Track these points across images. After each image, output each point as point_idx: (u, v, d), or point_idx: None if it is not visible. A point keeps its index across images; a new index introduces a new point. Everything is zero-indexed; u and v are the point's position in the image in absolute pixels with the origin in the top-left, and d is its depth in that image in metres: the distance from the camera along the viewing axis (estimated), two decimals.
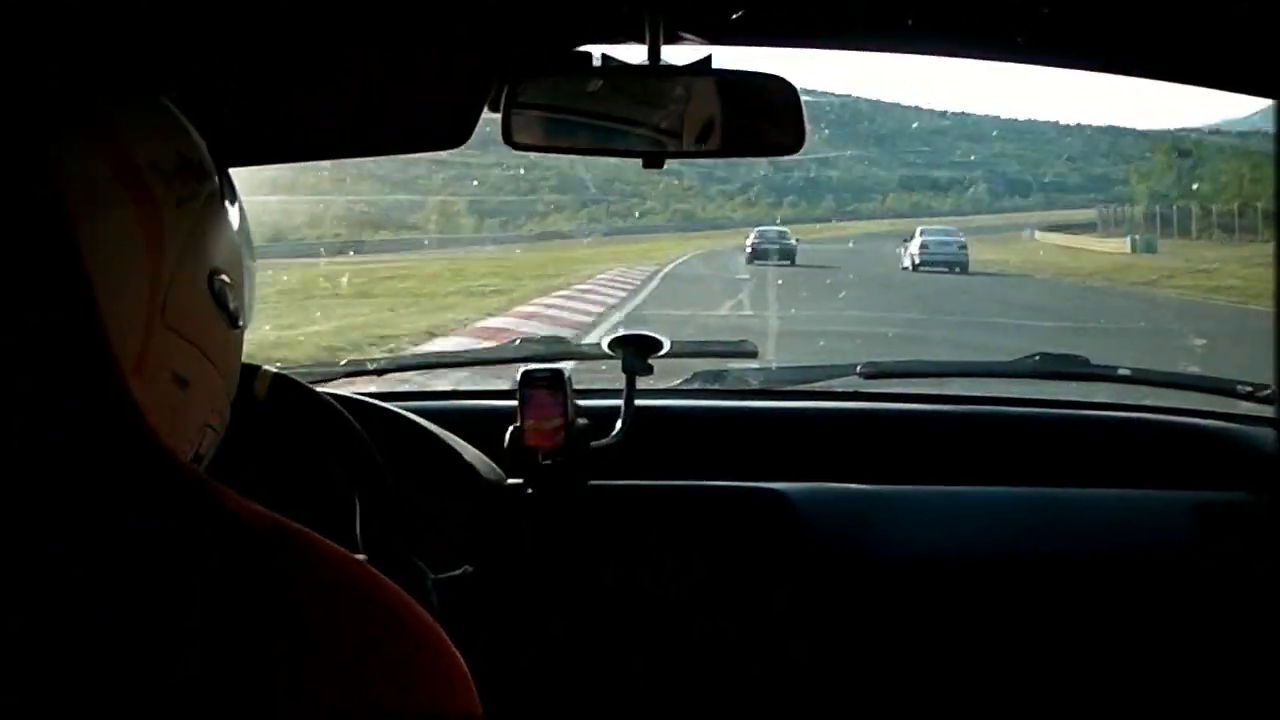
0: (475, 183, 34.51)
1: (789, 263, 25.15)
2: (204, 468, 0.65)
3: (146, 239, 0.56)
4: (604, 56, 1.11)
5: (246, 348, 0.68)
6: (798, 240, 27.72)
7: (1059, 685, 1.61)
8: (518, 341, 2.04)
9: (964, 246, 25.44)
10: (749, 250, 25.94)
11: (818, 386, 2.09)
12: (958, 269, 24.43)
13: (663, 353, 1.82)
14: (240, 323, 0.65)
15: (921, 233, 26.00)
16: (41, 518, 0.44)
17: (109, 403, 0.47)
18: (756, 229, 28.62)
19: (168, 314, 0.57)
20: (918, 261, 24.23)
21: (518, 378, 1.64)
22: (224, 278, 0.62)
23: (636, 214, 41.99)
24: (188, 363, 0.60)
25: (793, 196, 44.76)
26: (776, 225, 31.20)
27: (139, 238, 0.56)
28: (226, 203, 0.65)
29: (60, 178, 0.51)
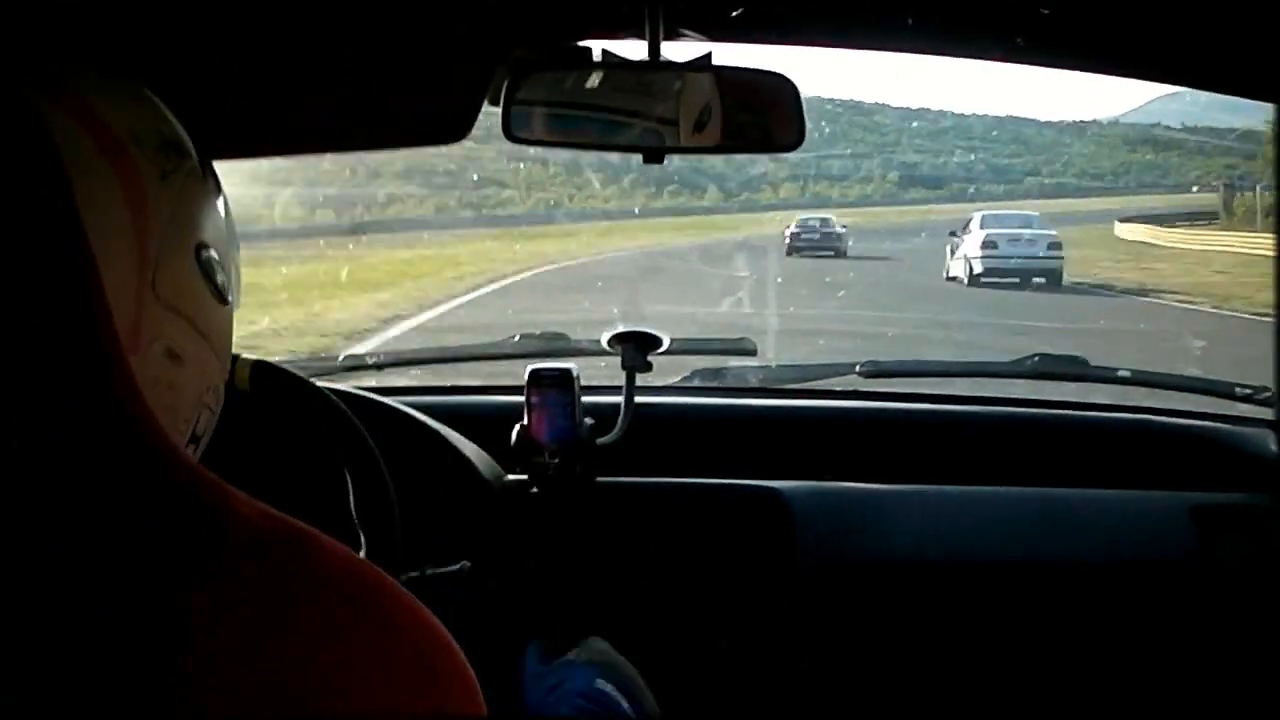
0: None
1: (831, 254, 21.60)
2: (201, 450, 0.65)
3: (132, 210, 0.56)
4: (604, 52, 1.11)
5: None
6: (844, 228, 23.23)
7: (1058, 684, 1.61)
8: (517, 337, 2.04)
9: (1058, 245, 17.44)
10: (786, 241, 22.26)
11: (817, 385, 2.09)
12: (1043, 282, 16.39)
13: (662, 349, 1.82)
14: (229, 298, 0.65)
15: (984, 223, 17.73)
16: (37, 515, 0.43)
17: (117, 396, 0.47)
18: (797, 218, 24.33)
19: (158, 286, 0.57)
20: (978, 271, 16.55)
21: (525, 376, 1.64)
22: (211, 252, 0.62)
23: (492, 204, 34.00)
24: (180, 337, 0.60)
25: (674, 186, 39.00)
26: (815, 215, 26.03)
27: (124, 208, 0.56)
28: (210, 181, 0.65)
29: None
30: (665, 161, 1.21)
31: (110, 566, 0.43)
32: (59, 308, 0.46)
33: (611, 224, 28.67)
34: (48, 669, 0.41)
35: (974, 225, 17.75)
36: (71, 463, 0.44)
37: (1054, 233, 18.28)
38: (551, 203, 35.54)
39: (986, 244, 17.04)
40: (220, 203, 0.66)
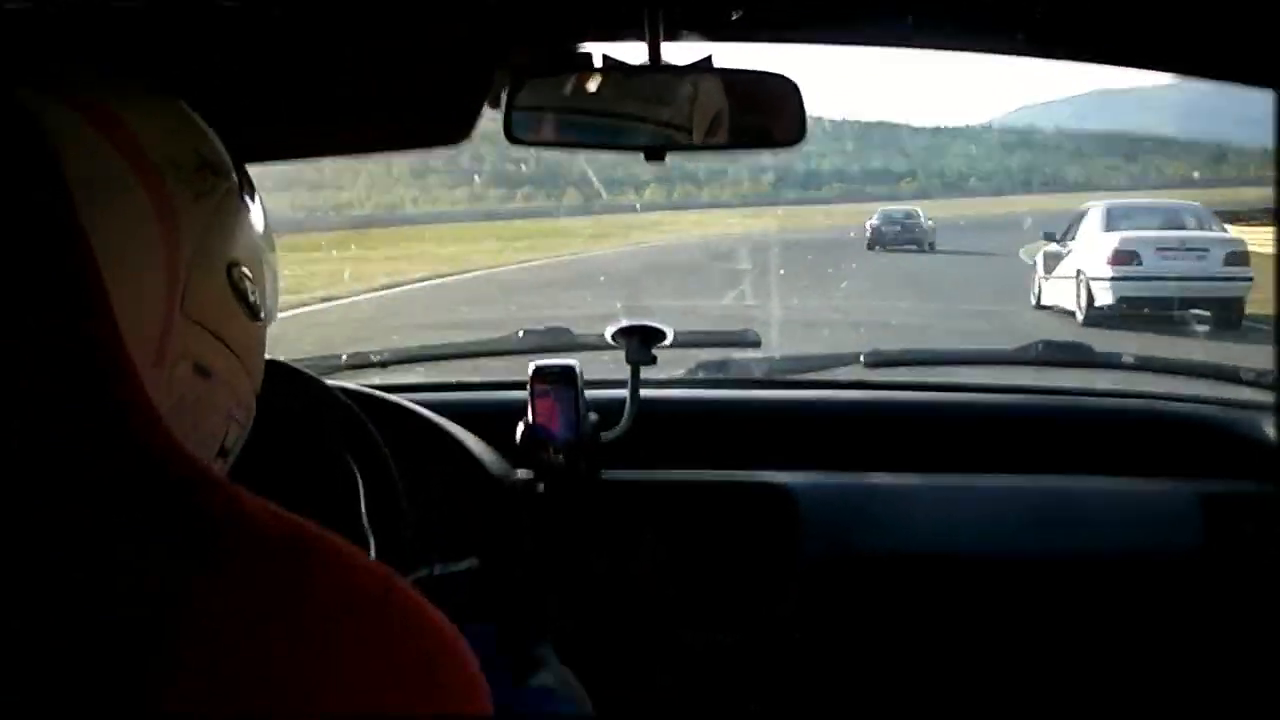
0: None
1: (916, 248, 19.84)
2: (230, 462, 0.66)
3: (162, 230, 0.56)
4: (604, 56, 1.11)
5: None
6: (932, 222, 20.92)
7: (1065, 672, 1.62)
8: (521, 333, 2.04)
9: (1240, 258, 10.25)
10: (868, 234, 20.59)
11: (822, 376, 2.09)
12: (1207, 315, 9.75)
13: (666, 343, 1.83)
14: (262, 315, 0.65)
15: (1110, 219, 11.37)
16: (42, 520, 0.44)
17: (118, 401, 0.47)
18: (880, 210, 22.38)
19: (187, 304, 0.58)
20: (1105, 301, 10.43)
21: (529, 372, 1.64)
22: (243, 270, 0.62)
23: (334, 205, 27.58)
24: (209, 353, 0.60)
25: (528, 188, 35.32)
26: (899, 207, 23.62)
27: (154, 229, 0.56)
28: (246, 198, 0.65)
29: (70, 173, 0.50)
30: (665, 161, 1.21)
31: (111, 568, 0.43)
32: (55, 313, 0.46)
33: (457, 226, 25.39)
34: (45, 671, 0.42)
35: (1092, 224, 11.33)
36: (69, 466, 0.45)
37: (1230, 233, 11.29)
38: (393, 206, 31.61)
39: (1120, 255, 10.50)
40: (258, 217, 0.67)
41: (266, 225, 0.69)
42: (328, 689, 0.44)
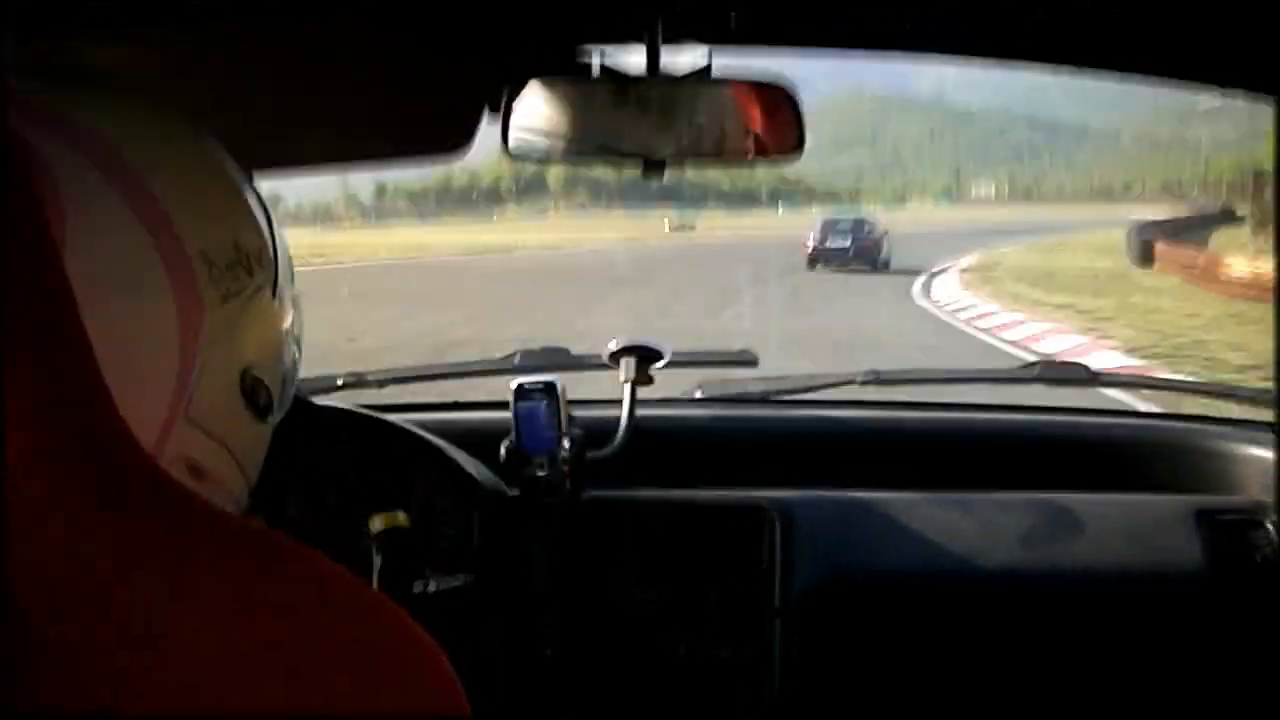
0: None
1: (870, 268, 17.11)
2: None
3: (181, 336, 0.54)
4: (603, 66, 1.11)
5: None
6: (886, 233, 17.88)
7: (1063, 687, 1.60)
8: (518, 355, 2.04)
9: None
10: (809, 250, 17.96)
11: (819, 395, 2.08)
12: None
13: (663, 363, 1.82)
14: (272, 415, 0.62)
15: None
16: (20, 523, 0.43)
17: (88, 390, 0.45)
18: (821, 217, 19.26)
19: (192, 409, 0.55)
20: None
21: (512, 390, 1.64)
22: (256, 373, 0.59)
23: None
24: (207, 455, 0.57)
25: None
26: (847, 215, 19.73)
27: (174, 333, 0.53)
28: (277, 290, 0.61)
29: (95, 257, 0.48)
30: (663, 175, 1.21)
31: (82, 574, 0.42)
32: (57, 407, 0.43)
33: None
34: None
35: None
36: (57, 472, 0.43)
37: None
38: None
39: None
40: (286, 309, 0.63)
41: (297, 308, 0.65)
42: (300, 694, 0.43)
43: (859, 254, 17.61)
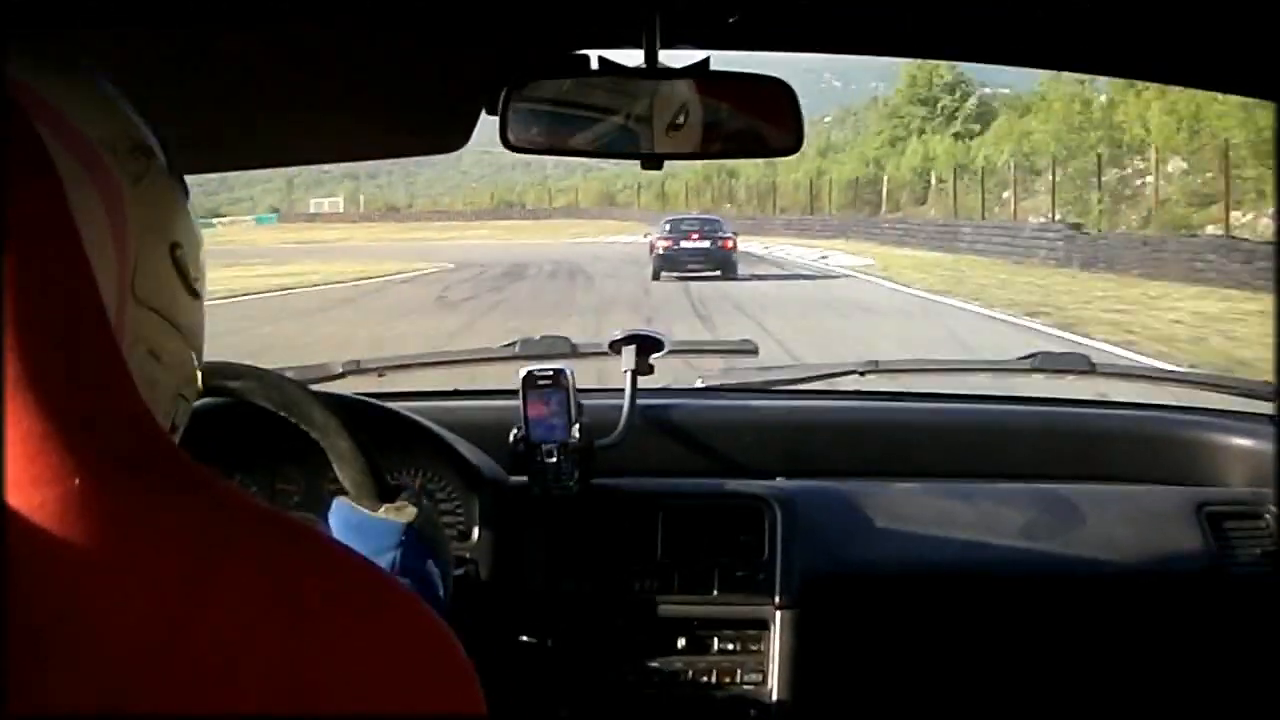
0: None
1: (719, 274, 16.04)
2: (178, 437, 0.66)
3: (110, 215, 0.56)
4: (601, 60, 1.11)
5: None
6: (734, 238, 16.37)
7: (1064, 680, 1.61)
8: (518, 343, 2.05)
9: None
10: (658, 255, 16.54)
11: (819, 385, 2.09)
12: None
13: (664, 352, 1.83)
14: (200, 292, 0.66)
15: None
16: (29, 504, 0.43)
17: (112, 390, 0.47)
18: (668, 218, 17.51)
19: (137, 288, 0.58)
20: None
21: (520, 378, 1.64)
22: (183, 250, 0.63)
23: None
24: (160, 335, 0.61)
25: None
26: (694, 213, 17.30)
27: (103, 216, 0.56)
28: (175, 178, 0.65)
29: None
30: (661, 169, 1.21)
31: (95, 551, 0.43)
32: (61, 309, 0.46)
33: None
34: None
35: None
36: (68, 451, 0.44)
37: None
38: None
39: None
40: (185, 195, 0.67)
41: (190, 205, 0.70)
42: (318, 681, 0.44)
43: (717, 258, 16.24)
